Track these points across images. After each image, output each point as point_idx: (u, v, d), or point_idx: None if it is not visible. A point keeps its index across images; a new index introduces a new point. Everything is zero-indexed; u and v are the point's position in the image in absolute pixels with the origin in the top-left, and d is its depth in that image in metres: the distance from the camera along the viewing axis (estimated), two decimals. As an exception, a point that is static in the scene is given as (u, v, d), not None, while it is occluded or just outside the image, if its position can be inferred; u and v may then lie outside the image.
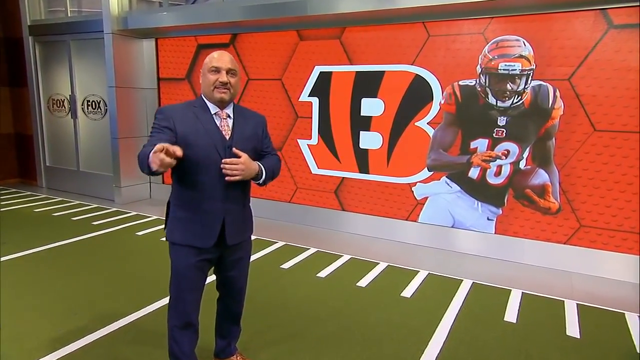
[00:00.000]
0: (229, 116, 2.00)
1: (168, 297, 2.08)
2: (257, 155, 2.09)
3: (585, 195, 4.08)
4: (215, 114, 1.97)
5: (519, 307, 3.36)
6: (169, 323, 2.07)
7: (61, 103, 7.12)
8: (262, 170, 2.00)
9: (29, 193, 7.03)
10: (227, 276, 2.16)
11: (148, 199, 6.82)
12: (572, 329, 3.05)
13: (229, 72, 1.92)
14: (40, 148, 7.46)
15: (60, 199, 6.67)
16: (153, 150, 1.62)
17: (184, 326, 2.04)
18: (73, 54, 6.81)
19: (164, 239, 4.73)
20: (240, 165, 1.87)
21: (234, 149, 1.90)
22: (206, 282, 2.11)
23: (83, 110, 6.93)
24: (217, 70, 1.91)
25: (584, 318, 3.21)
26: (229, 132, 1.97)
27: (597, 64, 3.88)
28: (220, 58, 1.91)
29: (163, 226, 2.06)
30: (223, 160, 1.86)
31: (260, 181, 2.02)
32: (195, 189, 1.92)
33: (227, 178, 1.86)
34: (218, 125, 1.96)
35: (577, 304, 3.44)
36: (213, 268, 2.16)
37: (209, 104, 1.97)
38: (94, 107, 6.80)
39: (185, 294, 2.00)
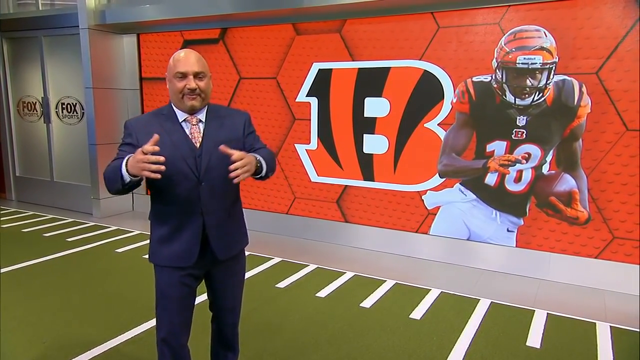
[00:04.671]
0: (200, 121, 1.99)
1: (153, 320, 2.07)
2: None
3: (618, 202, 4.05)
4: (184, 120, 1.97)
5: (544, 330, 3.33)
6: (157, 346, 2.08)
7: (32, 106, 7.17)
8: (259, 160, 1.94)
9: (-3, 206, 7.06)
10: (217, 296, 2.16)
11: (130, 212, 6.83)
12: (605, 355, 3.01)
13: (196, 75, 1.90)
14: (10, 156, 7.50)
15: (31, 212, 6.68)
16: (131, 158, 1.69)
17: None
18: (45, 52, 6.87)
19: (146, 256, 4.77)
20: (241, 162, 1.76)
21: (222, 146, 1.80)
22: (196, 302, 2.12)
23: (57, 114, 6.98)
24: (183, 75, 1.89)
25: (618, 343, 3.16)
26: (200, 139, 1.96)
27: (628, 54, 3.88)
28: (185, 61, 1.89)
29: (148, 241, 2.11)
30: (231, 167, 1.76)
31: (263, 173, 1.97)
32: (171, 204, 1.96)
33: (234, 180, 1.77)
34: (187, 133, 1.96)
35: (611, 326, 3.40)
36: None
37: (177, 111, 1.97)
38: (69, 110, 6.85)
39: (171, 315, 2.02)
